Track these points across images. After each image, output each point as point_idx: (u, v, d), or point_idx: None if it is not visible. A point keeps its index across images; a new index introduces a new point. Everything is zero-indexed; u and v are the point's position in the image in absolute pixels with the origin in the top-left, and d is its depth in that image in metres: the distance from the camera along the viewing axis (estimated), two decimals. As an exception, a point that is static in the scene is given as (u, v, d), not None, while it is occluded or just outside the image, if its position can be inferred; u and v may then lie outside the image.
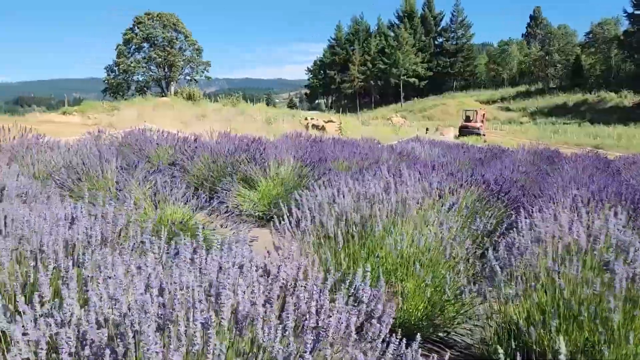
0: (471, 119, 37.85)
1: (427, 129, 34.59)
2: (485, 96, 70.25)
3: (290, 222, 3.44)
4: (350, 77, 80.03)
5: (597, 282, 2.23)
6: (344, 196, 3.58)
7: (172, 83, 55.38)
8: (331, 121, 36.65)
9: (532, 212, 3.65)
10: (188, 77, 57.21)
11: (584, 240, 2.55)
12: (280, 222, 3.47)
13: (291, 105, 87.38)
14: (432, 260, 3.21)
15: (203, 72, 57.84)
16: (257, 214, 6.95)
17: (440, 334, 3.38)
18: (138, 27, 55.07)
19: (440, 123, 49.69)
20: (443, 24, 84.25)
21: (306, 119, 38.29)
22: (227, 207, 6.60)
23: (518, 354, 2.35)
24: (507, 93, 69.72)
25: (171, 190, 5.34)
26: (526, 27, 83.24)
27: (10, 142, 7.95)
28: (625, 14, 62.68)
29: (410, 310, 3.06)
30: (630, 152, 18.60)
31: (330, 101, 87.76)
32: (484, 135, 34.38)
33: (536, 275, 2.49)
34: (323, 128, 34.40)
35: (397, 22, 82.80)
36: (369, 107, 77.70)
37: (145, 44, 55.84)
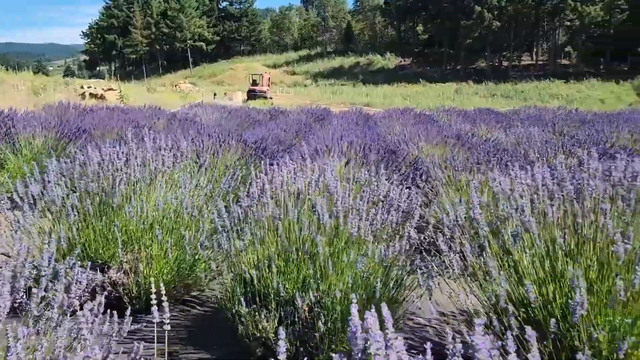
0: (258, 82, 38.76)
1: (215, 94, 34.37)
2: (271, 60, 72.42)
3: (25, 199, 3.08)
4: (134, 41, 74.51)
5: (305, 223, 2.49)
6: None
7: None
8: (111, 89, 33.79)
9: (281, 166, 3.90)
10: None
11: (303, 188, 2.80)
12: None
13: (69, 73, 78.19)
14: (177, 222, 3.21)
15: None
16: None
17: (195, 293, 3.46)
18: None
19: (230, 88, 49.89)
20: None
21: (82, 87, 34.60)
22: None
23: (242, 298, 2.53)
24: (291, 57, 72.95)
25: None
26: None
27: None
28: (384, -16, 69.97)
29: (157, 274, 3.04)
30: (392, 107, 21.11)
31: (113, 68, 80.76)
32: (271, 98, 35.60)
33: (262, 226, 2.67)
34: (102, 97, 31.55)
35: (178, -17, 79.31)
36: (157, 73, 73.82)
37: None
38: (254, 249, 2.67)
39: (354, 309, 0.95)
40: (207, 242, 2.92)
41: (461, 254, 2.39)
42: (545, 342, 1.87)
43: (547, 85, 46.20)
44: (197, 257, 3.17)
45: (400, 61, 63.83)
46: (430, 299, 2.59)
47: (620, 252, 1.73)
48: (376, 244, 2.43)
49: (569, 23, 52.69)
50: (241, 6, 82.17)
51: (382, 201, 2.80)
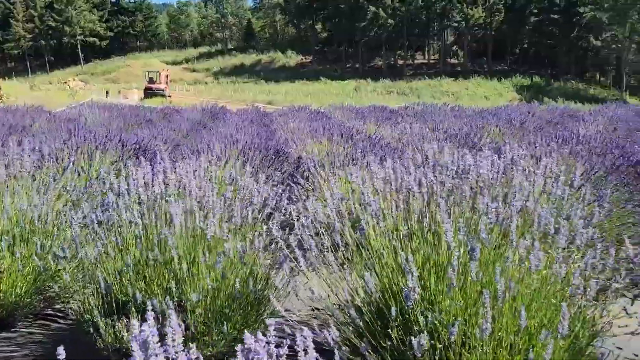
0: (155, 80, 37.28)
1: (107, 92, 32.56)
2: (170, 57, 69.80)
3: None
4: (15, 35, 68.22)
5: (165, 230, 2.42)
6: None
7: None
8: (-13, 88, 30.85)
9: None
10: None
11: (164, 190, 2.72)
12: None
13: (-64, 70, 69.93)
14: (32, 231, 2.99)
15: None
16: None
17: (59, 306, 3.24)
18: None
19: (126, 86, 47.50)
20: (118, -21, 79.01)
21: (-50, 86, 31.24)
22: None
23: (98, 308, 2.41)
24: (191, 54, 70.81)
25: None
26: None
27: None
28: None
29: (9, 290, 2.81)
30: (293, 105, 21.18)
31: (-7, 64, 73.38)
32: (170, 96, 34.41)
33: (119, 231, 2.55)
34: (-24, 96, 28.74)
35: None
36: (44, 70, 68.34)
37: None
38: (111, 256, 2.55)
39: (135, 322, 0.93)
40: (62, 252, 2.75)
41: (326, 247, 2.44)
42: (390, 330, 1.96)
43: (438, 83, 48.99)
44: (58, 267, 2.97)
45: (302, 59, 64.37)
46: (297, 296, 2.63)
47: (449, 240, 1.86)
48: (236, 242, 2.42)
49: (456, 24, 56.22)
50: (136, 1, 78.27)
51: (247, 199, 2.79)
